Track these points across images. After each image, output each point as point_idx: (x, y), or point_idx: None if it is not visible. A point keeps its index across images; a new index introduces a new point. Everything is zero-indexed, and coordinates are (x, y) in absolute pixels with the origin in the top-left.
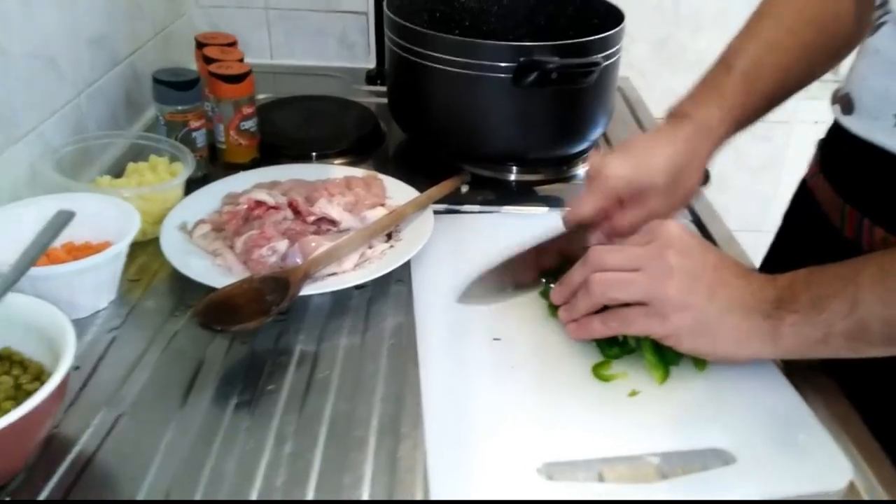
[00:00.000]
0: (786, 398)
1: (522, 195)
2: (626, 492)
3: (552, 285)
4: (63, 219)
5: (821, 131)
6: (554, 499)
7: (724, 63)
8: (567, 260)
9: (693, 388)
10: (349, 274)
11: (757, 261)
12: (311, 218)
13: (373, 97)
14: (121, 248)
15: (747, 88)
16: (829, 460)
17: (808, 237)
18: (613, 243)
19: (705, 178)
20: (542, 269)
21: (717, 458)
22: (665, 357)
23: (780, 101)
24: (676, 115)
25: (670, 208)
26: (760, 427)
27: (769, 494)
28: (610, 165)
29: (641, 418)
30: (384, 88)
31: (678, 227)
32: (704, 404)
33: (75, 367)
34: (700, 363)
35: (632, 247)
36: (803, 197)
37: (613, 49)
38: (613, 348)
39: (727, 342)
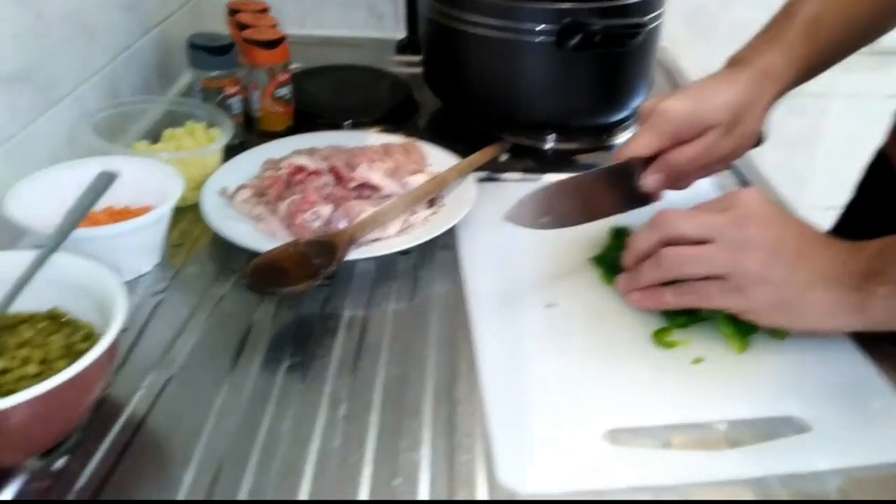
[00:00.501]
0: (857, 365)
1: (563, 163)
2: (693, 459)
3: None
4: (106, 180)
5: (858, 105)
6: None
7: (787, 12)
8: (613, 202)
9: (759, 355)
10: (394, 239)
11: None
12: (353, 183)
13: (403, 67)
14: (164, 210)
15: (810, 37)
16: None
17: (885, 207)
18: (667, 180)
19: (759, 138)
20: (589, 204)
21: (790, 426)
22: (742, 326)
23: (845, 52)
24: (737, 61)
25: (729, 150)
26: (832, 395)
27: (844, 463)
28: (668, 101)
29: (707, 385)
30: (415, 58)
31: (757, 194)
32: (772, 372)
33: (123, 330)
34: (779, 333)
35: (707, 214)
36: (881, 167)
37: (657, 12)
38: (681, 317)
39: (811, 316)
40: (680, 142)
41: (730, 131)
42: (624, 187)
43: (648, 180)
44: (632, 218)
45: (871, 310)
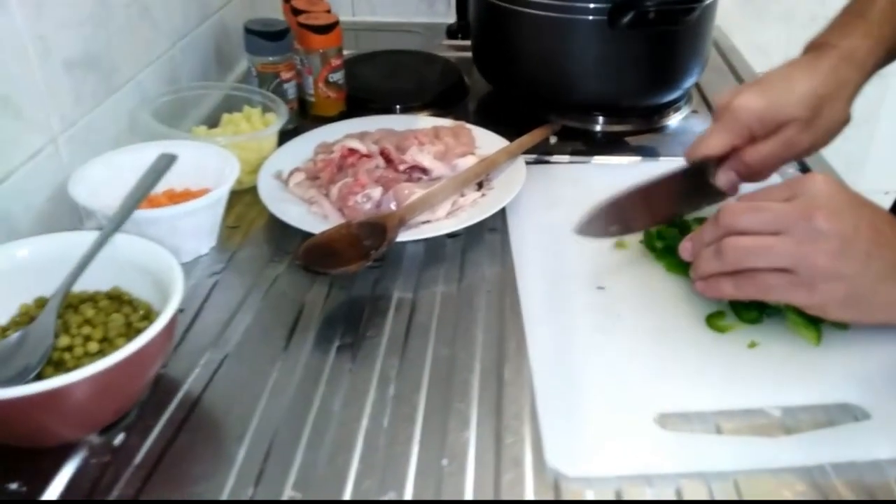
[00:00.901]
0: None
1: (613, 146)
2: (746, 445)
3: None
4: (165, 162)
5: None
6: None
7: None
8: (686, 202)
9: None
10: (442, 222)
11: None
12: (403, 166)
13: (454, 52)
14: (222, 192)
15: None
16: None
17: None
18: (743, 176)
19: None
20: (659, 209)
21: (847, 413)
22: (812, 317)
23: None
24: (818, 45)
25: (811, 144)
26: (893, 381)
27: None
28: (742, 97)
29: (762, 370)
30: (466, 43)
31: (826, 180)
32: (830, 357)
33: (180, 310)
34: (841, 324)
35: (772, 204)
36: None
37: None
38: (751, 312)
39: (883, 311)
40: (755, 139)
41: (809, 125)
42: (696, 185)
43: (722, 179)
44: None
45: None
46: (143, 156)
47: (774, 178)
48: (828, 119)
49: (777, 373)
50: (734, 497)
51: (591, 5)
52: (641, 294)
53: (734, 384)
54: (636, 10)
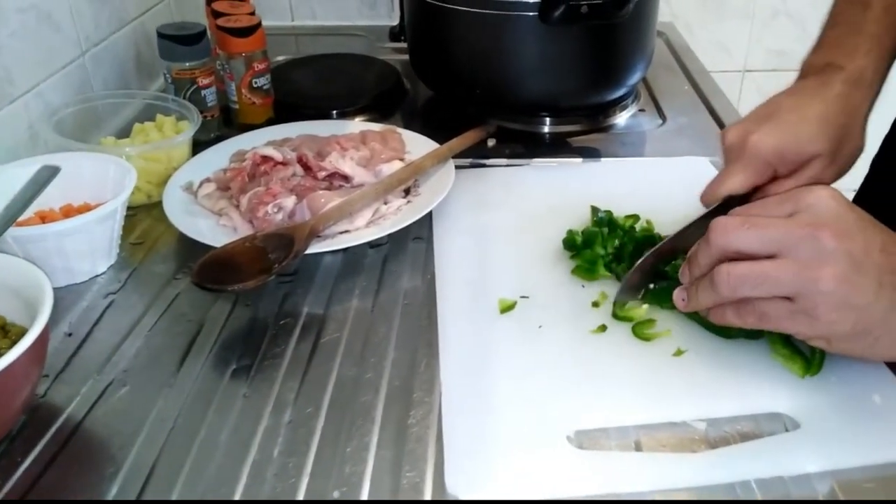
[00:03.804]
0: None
1: (553, 147)
2: (668, 462)
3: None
4: (47, 174)
5: None
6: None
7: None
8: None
9: (746, 346)
10: (362, 231)
11: None
12: (322, 173)
13: (397, 54)
14: (114, 206)
15: (892, 25)
16: None
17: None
18: None
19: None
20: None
21: (777, 423)
22: (797, 343)
23: None
24: (821, 68)
25: (834, 176)
26: (827, 387)
27: (838, 464)
28: (757, 135)
29: (688, 380)
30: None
31: (833, 195)
32: (760, 364)
33: (68, 334)
34: (753, 333)
35: (770, 220)
36: (892, 144)
37: None
38: (732, 329)
39: (891, 346)
40: (777, 176)
41: (833, 160)
42: None
43: None
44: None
45: None
46: (34, 170)
47: None
48: (849, 151)
49: (704, 383)
50: None
51: (524, 1)
52: (566, 303)
53: (657, 396)
54: (567, 4)
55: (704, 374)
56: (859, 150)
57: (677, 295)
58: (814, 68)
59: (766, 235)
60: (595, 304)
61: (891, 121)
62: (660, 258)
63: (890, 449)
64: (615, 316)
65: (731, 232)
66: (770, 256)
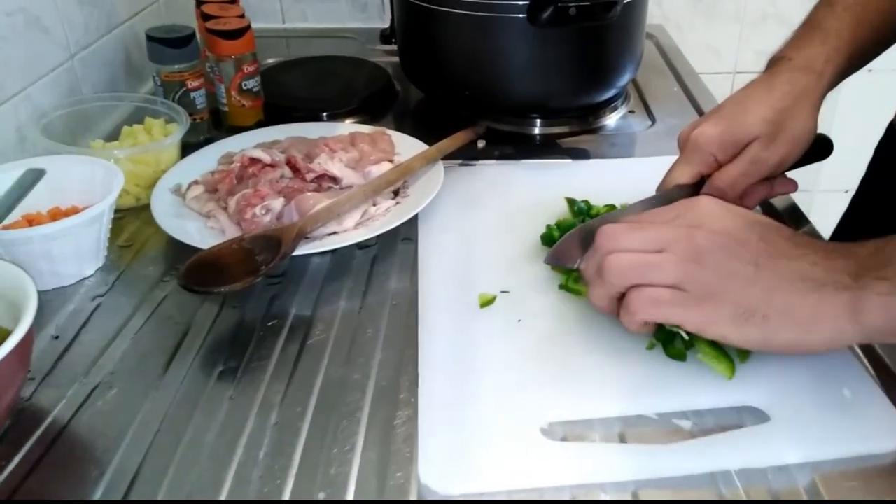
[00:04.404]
0: None
1: (543, 148)
2: (643, 453)
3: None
4: (32, 177)
5: (872, 80)
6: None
7: (826, 1)
8: None
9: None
10: (350, 232)
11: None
12: (311, 175)
13: (388, 57)
14: (101, 209)
15: (854, 24)
16: (878, 418)
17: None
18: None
19: (826, 148)
20: None
21: (748, 416)
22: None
23: (892, 38)
24: (776, 61)
25: (781, 159)
26: (798, 381)
27: (808, 457)
28: (700, 127)
29: (660, 374)
30: None
31: (712, 201)
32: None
33: (55, 337)
34: (743, 354)
35: (653, 224)
36: (891, 144)
37: None
38: (676, 347)
39: (788, 326)
40: (721, 164)
41: (773, 140)
42: None
43: None
44: (600, 201)
45: (865, 313)
46: (19, 173)
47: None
48: (792, 131)
49: (675, 376)
50: None
51: (513, 3)
52: (545, 298)
53: (633, 388)
54: (555, 6)
55: (675, 368)
56: (808, 132)
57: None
58: (771, 62)
59: (648, 236)
60: (577, 293)
61: (885, 123)
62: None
63: (857, 442)
64: (564, 287)
65: (616, 235)
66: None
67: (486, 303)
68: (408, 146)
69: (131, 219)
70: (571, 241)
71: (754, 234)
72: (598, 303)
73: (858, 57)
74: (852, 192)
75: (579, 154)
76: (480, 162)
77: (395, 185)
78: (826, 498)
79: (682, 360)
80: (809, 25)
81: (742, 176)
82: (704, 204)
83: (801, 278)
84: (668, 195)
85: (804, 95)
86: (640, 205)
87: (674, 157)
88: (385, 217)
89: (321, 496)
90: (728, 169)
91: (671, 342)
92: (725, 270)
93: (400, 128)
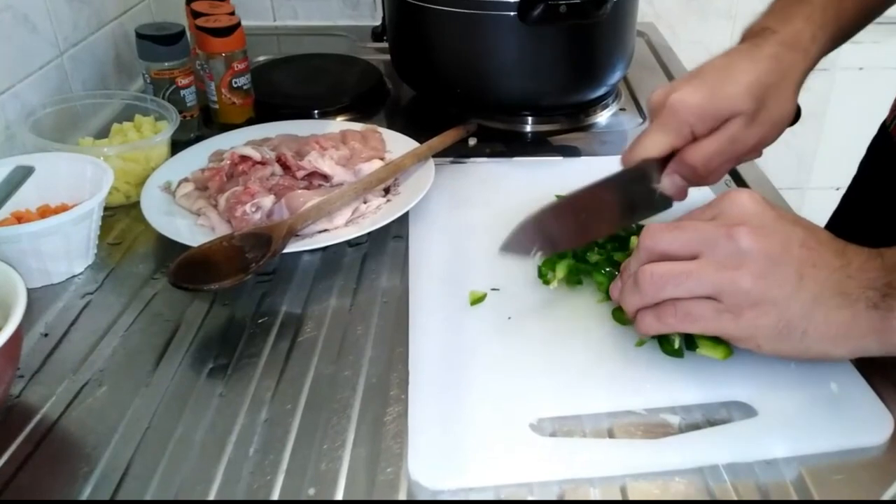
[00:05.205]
0: None
1: (534, 146)
2: (632, 448)
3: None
4: (21, 174)
5: (865, 78)
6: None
7: None
8: (627, 213)
9: None
10: (341, 230)
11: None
12: (301, 173)
13: (379, 54)
14: (90, 206)
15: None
16: (865, 412)
17: (887, 187)
18: (690, 179)
19: (795, 114)
20: (593, 223)
21: (735, 411)
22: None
23: (876, 11)
24: (757, 31)
25: (758, 140)
26: (785, 375)
27: (795, 451)
28: (679, 92)
29: (649, 369)
30: None
31: (752, 196)
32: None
33: (44, 335)
34: (723, 350)
35: (693, 223)
36: (884, 143)
37: None
38: (672, 344)
39: (821, 340)
40: (697, 137)
41: (755, 118)
42: (638, 193)
43: (667, 183)
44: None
45: (891, 331)
46: (6, 171)
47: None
48: (774, 111)
49: (664, 372)
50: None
51: (504, 0)
52: (535, 294)
53: (621, 384)
54: (546, 3)
55: (663, 363)
56: (788, 114)
57: (613, 287)
58: (751, 33)
59: (686, 237)
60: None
61: (878, 122)
62: (557, 215)
63: (845, 436)
64: (540, 274)
65: (658, 234)
66: (693, 258)
67: (477, 300)
68: (399, 144)
69: (121, 216)
70: (524, 231)
71: (795, 239)
72: (629, 309)
73: (842, 33)
74: (843, 190)
75: (570, 152)
76: (471, 160)
77: (386, 183)
78: (813, 491)
79: (679, 357)
80: None
81: (718, 154)
82: (744, 200)
83: (840, 293)
84: (636, 172)
85: (789, 73)
86: (602, 183)
87: None
88: (376, 215)
89: (311, 492)
90: (703, 145)
91: (668, 340)
92: (768, 281)
93: (391, 125)
